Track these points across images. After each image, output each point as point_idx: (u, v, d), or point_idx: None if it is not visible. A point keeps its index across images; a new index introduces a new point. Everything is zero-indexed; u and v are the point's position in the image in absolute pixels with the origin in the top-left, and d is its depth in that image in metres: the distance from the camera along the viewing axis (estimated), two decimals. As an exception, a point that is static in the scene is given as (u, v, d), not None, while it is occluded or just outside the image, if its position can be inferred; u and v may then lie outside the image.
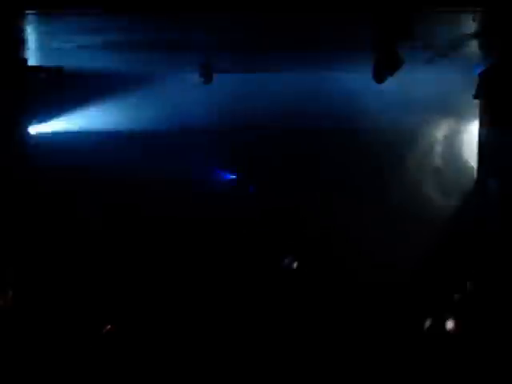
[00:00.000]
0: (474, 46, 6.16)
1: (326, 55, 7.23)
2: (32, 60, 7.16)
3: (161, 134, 8.73)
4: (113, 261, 8.28)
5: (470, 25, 5.27)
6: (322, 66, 7.94)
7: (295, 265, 8.41)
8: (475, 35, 5.69)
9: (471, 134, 8.41)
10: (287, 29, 5.88)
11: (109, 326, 6.40)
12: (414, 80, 7.46)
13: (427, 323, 6.41)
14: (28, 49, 6.63)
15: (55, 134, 8.56)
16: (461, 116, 8.51)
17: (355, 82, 7.74)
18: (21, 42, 6.32)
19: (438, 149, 8.90)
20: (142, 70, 8.60)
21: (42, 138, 8.34)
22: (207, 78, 7.45)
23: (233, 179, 9.31)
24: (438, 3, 4.76)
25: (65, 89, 8.08)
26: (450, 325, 6.15)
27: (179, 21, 5.56)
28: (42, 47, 6.76)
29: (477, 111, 7.80)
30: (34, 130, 8.22)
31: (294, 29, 5.82)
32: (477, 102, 7.54)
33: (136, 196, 8.60)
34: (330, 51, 6.90)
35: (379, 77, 6.37)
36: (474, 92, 7.27)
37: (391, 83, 6.45)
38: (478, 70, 7.18)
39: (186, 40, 6.51)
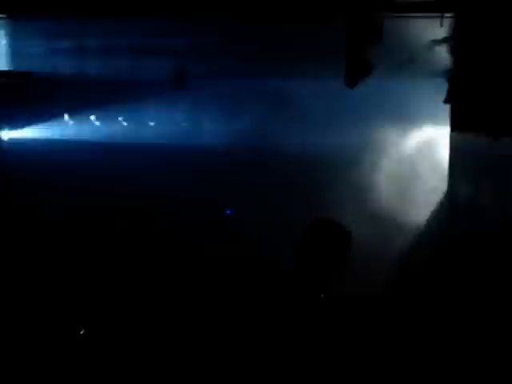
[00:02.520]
0: (443, 50, 6.24)
1: (298, 60, 7.27)
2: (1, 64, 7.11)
3: (136, 149, 8.60)
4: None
5: (438, 30, 5.33)
6: (295, 71, 7.98)
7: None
8: (444, 40, 5.75)
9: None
10: (260, 36, 5.91)
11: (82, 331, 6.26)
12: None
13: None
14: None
15: (28, 141, 8.46)
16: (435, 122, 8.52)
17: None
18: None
19: (413, 157, 8.88)
20: (117, 75, 8.55)
21: (14, 143, 8.27)
22: (180, 84, 7.45)
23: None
24: (407, 8, 4.82)
25: (38, 95, 7.99)
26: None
27: (156, 26, 5.56)
28: (11, 52, 6.71)
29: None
30: (6, 135, 8.15)
31: (265, 36, 5.85)
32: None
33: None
34: (300, 56, 6.94)
35: (351, 82, 6.39)
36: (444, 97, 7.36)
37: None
38: (448, 75, 7.28)
39: (159, 45, 6.50)
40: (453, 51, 6.39)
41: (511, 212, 7.42)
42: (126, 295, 7.51)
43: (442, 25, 5.13)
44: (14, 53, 6.72)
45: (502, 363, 5.43)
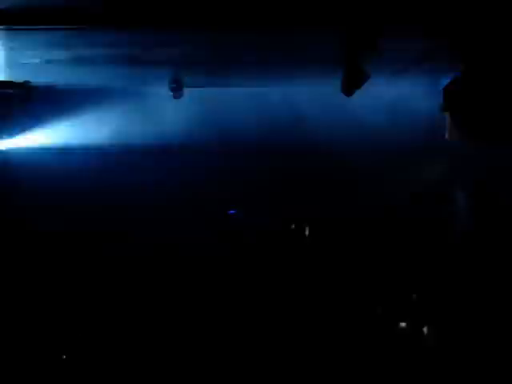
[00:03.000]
0: (439, 58, 6.28)
1: (295, 68, 7.30)
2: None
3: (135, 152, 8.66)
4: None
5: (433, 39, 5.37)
6: (292, 78, 8.02)
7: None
8: (439, 48, 5.80)
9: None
10: (255, 43, 5.94)
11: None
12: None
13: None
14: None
15: (28, 150, 8.46)
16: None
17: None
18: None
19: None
20: (115, 84, 8.58)
21: (13, 153, 8.28)
22: (178, 93, 7.50)
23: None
24: (403, 19, 4.84)
25: (36, 104, 8.05)
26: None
27: (150, 35, 5.57)
28: (9, 62, 6.72)
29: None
30: (4, 145, 8.17)
31: (261, 43, 5.88)
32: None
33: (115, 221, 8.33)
34: (299, 64, 6.97)
35: (347, 90, 6.44)
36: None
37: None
38: (445, 82, 7.32)
39: (157, 54, 6.53)
40: (448, 59, 6.42)
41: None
42: (127, 297, 7.47)
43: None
44: (12, 63, 6.73)
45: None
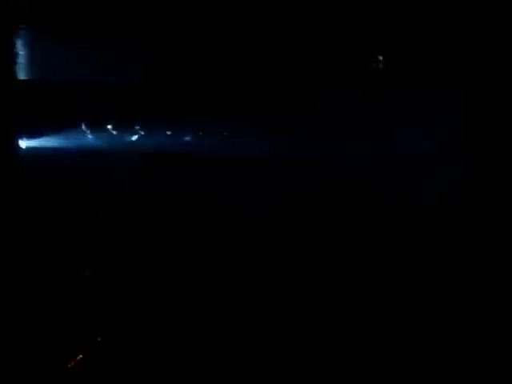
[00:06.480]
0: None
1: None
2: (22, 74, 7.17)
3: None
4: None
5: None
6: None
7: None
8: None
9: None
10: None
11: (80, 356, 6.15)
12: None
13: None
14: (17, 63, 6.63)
15: (45, 150, 8.45)
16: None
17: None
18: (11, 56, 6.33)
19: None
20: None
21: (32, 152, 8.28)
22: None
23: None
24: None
25: (56, 104, 8.07)
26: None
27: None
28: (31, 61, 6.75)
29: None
30: (23, 144, 8.18)
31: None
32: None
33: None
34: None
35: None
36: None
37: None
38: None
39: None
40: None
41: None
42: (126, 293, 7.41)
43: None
44: (33, 62, 6.77)
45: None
